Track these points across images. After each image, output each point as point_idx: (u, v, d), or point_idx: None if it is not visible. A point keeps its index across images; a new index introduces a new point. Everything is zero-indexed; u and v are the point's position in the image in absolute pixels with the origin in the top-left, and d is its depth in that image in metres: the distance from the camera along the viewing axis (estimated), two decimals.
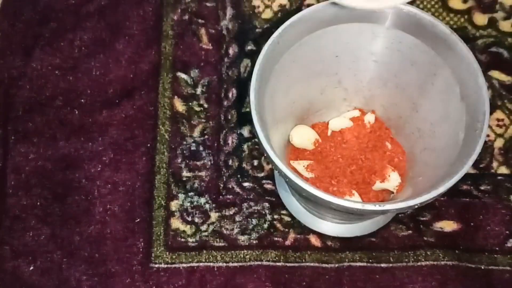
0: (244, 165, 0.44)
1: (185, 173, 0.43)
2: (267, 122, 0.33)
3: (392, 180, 0.38)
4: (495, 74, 0.45)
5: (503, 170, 0.43)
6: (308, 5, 0.47)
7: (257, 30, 0.47)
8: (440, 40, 0.33)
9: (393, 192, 0.38)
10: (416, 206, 0.30)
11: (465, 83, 0.33)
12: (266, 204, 0.42)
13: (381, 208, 0.29)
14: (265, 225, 0.42)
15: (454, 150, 0.33)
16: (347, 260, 0.41)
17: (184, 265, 0.41)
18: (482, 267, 0.41)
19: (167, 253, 0.41)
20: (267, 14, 0.48)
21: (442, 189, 0.30)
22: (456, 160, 0.32)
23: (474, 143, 0.31)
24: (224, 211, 0.42)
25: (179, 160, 0.44)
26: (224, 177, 0.43)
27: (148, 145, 0.44)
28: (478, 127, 0.31)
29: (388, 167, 0.38)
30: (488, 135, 0.44)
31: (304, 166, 0.38)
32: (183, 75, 0.46)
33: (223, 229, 0.42)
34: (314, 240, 0.41)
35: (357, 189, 0.37)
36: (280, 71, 0.35)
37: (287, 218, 0.42)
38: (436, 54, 0.34)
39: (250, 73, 0.33)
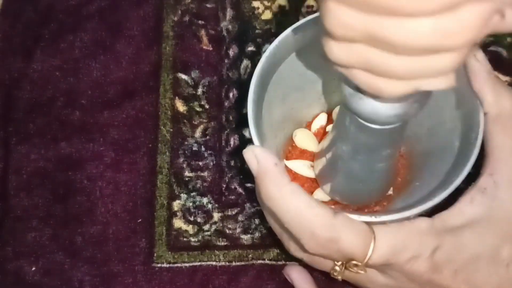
0: (246, 166, 0.44)
1: (187, 173, 0.44)
2: (265, 131, 0.33)
3: None
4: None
5: None
6: (308, 7, 0.48)
7: (257, 31, 0.47)
8: None
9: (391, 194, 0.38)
10: (411, 217, 0.30)
11: (460, 91, 0.33)
12: None
13: (377, 219, 0.29)
14: (268, 224, 0.42)
15: (450, 158, 0.33)
16: None
17: (187, 264, 0.41)
18: None
19: (170, 252, 0.42)
20: (267, 15, 0.48)
21: (437, 199, 0.30)
22: (451, 168, 0.32)
23: (469, 153, 0.31)
24: (226, 211, 0.43)
25: (181, 160, 0.44)
26: (226, 177, 0.43)
27: (150, 145, 0.44)
28: (473, 136, 0.31)
29: None
30: None
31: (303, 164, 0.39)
32: (183, 76, 0.46)
33: (225, 228, 0.42)
34: None
35: None
36: (278, 80, 0.35)
37: None
38: None
39: (250, 74, 0.33)
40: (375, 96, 0.25)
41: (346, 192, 0.36)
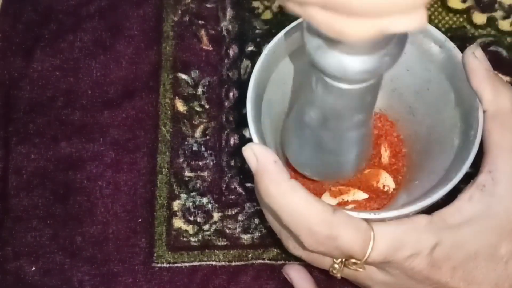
0: (246, 165, 0.44)
1: (187, 173, 0.44)
2: (264, 129, 0.33)
3: (386, 181, 0.38)
4: None
5: None
6: None
7: (257, 31, 0.47)
8: (434, 47, 0.33)
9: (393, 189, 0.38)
10: (410, 214, 0.30)
11: (459, 90, 0.33)
12: None
13: (376, 216, 0.29)
14: (267, 224, 0.42)
15: (449, 155, 0.33)
16: None
17: (187, 264, 0.41)
18: None
19: (169, 252, 0.42)
20: (267, 15, 0.48)
21: (435, 197, 0.30)
22: (450, 166, 0.32)
23: (468, 151, 0.31)
24: (226, 211, 0.43)
25: (181, 160, 0.44)
26: (226, 177, 0.43)
27: (150, 145, 0.44)
28: (472, 134, 0.31)
29: (381, 170, 0.38)
30: None
31: None
32: (183, 76, 0.46)
33: (225, 228, 0.42)
34: None
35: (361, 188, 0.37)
36: (277, 79, 0.35)
37: None
38: (430, 61, 0.34)
39: (250, 74, 0.33)
40: (341, 48, 0.22)
41: (316, 165, 0.34)
